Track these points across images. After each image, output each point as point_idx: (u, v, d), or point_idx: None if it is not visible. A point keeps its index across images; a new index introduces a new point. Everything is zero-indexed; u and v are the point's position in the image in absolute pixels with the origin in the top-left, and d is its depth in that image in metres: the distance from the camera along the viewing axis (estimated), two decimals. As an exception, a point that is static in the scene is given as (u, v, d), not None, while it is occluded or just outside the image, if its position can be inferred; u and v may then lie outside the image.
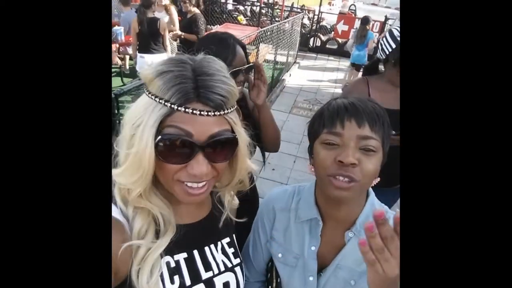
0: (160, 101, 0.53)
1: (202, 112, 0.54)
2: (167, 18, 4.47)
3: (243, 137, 0.62)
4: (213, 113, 0.55)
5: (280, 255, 0.83)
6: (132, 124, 0.55)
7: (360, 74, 5.74)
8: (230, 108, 0.58)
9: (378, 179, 0.72)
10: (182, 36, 4.14)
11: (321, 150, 0.69)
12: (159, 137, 0.53)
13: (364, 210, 0.75)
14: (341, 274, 0.76)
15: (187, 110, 0.53)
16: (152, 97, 0.55)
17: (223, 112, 0.56)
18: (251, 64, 1.19)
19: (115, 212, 0.59)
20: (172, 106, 0.53)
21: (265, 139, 1.28)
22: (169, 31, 4.31)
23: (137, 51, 3.91)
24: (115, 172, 0.57)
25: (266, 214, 0.87)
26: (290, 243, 0.82)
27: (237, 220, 0.80)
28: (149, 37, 3.79)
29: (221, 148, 0.58)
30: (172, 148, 0.54)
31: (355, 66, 5.68)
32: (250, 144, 0.66)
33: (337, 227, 0.76)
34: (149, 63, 4.46)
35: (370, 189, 0.78)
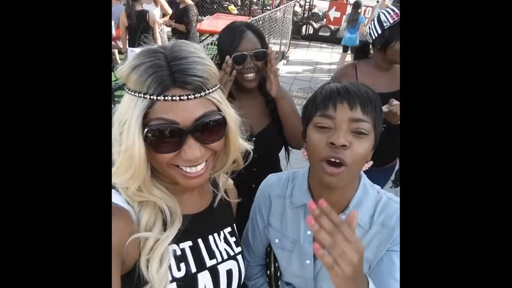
0: (139, 94, 0.54)
1: (182, 97, 0.53)
2: (158, 10, 4.40)
3: (231, 116, 0.62)
4: (193, 96, 0.54)
5: (277, 240, 0.84)
6: (118, 122, 0.56)
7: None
8: (211, 88, 0.57)
9: (371, 162, 0.73)
10: (172, 25, 4.09)
11: (314, 133, 0.70)
12: (146, 130, 0.54)
13: (357, 193, 0.76)
14: None
15: (166, 98, 0.53)
16: (131, 93, 0.55)
17: (203, 93, 0.56)
18: (259, 49, 1.16)
19: (121, 201, 0.59)
20: (151, 97, 0.53)
21: (286, 132, 1.25)
22: (163, 21, 4.26)
23: (127, 45, 3.85)
24: None
25: (263, 201, 0.88)
26: (286, 228, 0.83)
27: (232, 200, 0.81)
28: (138, 31, 3.74)
29: (210, 129, 0.57)
30: (161, 139, 0.54)
31: (349, 49, 5.84)
32: (240, 123, 0.66)
33: None
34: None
35: (362, 172, 0.79)
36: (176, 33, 4.21)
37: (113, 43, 4.78)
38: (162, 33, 4.53)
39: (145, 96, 0.53)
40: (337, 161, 0.66)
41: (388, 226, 0.74)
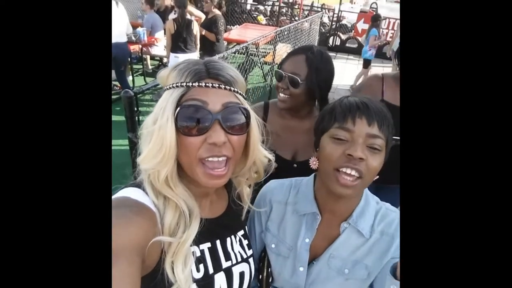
0: (177, 84, 0.61)
1: (214, 85, 0.61)
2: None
3: (254, 119, 0.67)
4: (223, 86, 0.62)
5: (273, 245, 0.86)
6: (154, 112, 0.62)
7: (369, 71, 5.71)
8: (239, 89, 0.65)
9: (377, 176, 0.74)
10: (203, 33, 4.27)
11: (329, 143, 0.71)
12: (178, 109, 0.59)
13: (360, 203, 0.78)
14: (334, 264, 0.78)
15: (200, 84, 0.61)
16: (169, 87, 0.62)
17: (233, 89, 0.63)
18: (294, 75, 1.14)
19: (149, 203, 0.62)
20: (187, 84, 0.60)
21: None
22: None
23: (171, 51, 4.08)
24: (139, 159, 0.62)
25: (263, 206, 0.89)
26: (284, 234, 0.84)
27: (254, 208, 0.85)
28: (186, 37, 4.03)
29: (235, 118, 0.62)
30: (190, 119, 0.59)
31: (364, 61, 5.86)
32: (262, 129, 0.70)
33: (333, 220, 0.80)
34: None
35: None
36: (205, 41, 4.38)
37: (144, 49, 5.05)
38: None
39: (181, 84, 0.61)
40: (352, 172, 0.68)
41: (388, 234, 0.76)
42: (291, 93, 1.16)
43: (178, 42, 4.03)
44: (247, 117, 0.65)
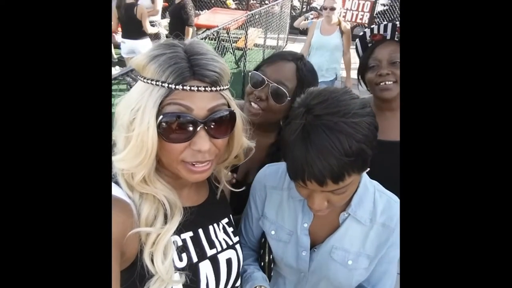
0: (157, 83, 0.55)
1: (199, 88, 0.56)
2: (148, 1, 4.39)
3: (239, 113, 0.65)
4: (209, 89, 0.57)
5: (273, 232, 0.84)
6: (131, 109, 0.56)
7: None
8: (224, 85, 0.61)
9: (367, 169, 0.70)
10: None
11: (297, 187, 0.69)
12: (161, 116, 0.55)
13: (358, 191, 0.76)
14: (337, 255, 0.78)
15: (184, 87, 0.55)
16: (148, 81, 0.56)
17: (219, 88, 0.59)
18: (282, 88, 0.92)
19: (122, 194, 0.60)
20: (170, 85, 0.55)
21: None
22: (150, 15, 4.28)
23: (121, 36, 3.93)
24: (116, 158, 0.58)
25: (258, 192, 0.87)
26: (283, 220, 0.83)
27: (235, 190, 0.81)
28: (127, 23, 3.82)
29: (221, 123, 0.60)
30: (174, 126, 0.56)
31: None
32: (245, 121, 0.69)
33: None
34: (128, 47, 4.35)
35: None
36: (177, 27, 4.20)
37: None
38: (159, 26, 4.53)
39: (163, 84, 0.55)
40: (319, 212, 0.70)
41: (389, 227, 0.76)
42: (270, 107, 0.93)
43: (123, 27, 3.92)
44: (233, 118, 0.63)
